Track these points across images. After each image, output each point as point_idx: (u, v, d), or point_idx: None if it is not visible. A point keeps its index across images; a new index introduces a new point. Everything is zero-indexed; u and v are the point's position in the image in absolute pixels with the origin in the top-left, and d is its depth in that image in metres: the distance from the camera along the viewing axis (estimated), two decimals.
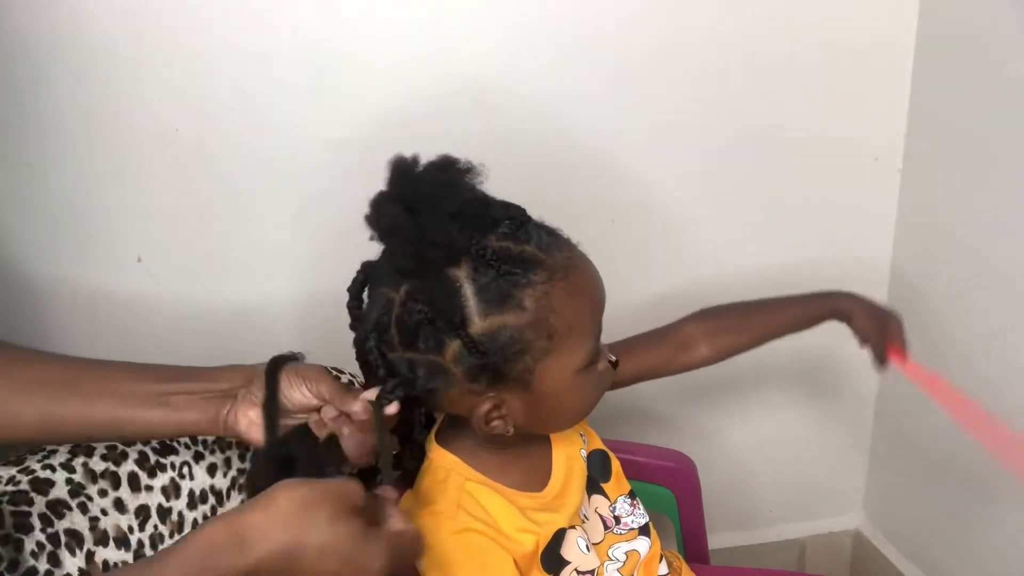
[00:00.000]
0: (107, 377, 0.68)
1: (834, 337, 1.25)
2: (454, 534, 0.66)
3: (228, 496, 0.77)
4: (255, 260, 1.04)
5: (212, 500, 0.75)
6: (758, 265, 1.20)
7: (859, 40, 1.11)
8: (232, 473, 0.77)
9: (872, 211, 1.20)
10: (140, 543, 0.70)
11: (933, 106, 1.12)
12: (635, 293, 1.12)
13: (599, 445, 0.81)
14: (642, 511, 0.80)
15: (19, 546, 0.63)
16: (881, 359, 0.86)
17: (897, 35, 1.12)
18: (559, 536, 0.71)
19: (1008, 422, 1.05)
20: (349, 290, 0.69)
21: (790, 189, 1.16)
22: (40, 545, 0.64)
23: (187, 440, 0.75)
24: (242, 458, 0.78)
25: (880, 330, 0.86)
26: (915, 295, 1.20)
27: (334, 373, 0.76)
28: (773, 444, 1.30)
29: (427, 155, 1.02)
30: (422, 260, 0.61)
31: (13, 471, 0.68)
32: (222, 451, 0.77)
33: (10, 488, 0.66)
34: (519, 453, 0.72)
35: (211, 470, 0.76)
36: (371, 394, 0.65)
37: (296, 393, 0.70)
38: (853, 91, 1.13)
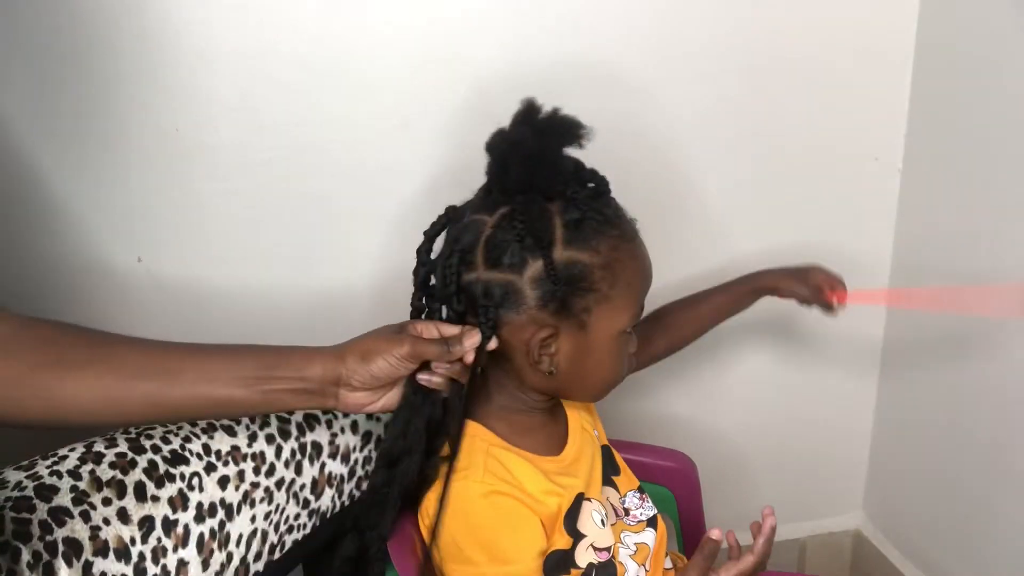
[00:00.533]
0: (205, 363, 0.70)
1: (834, 336, 1.26)
2: (483, 496, 0.71)
3: (239, 510, 0.74)
4: (255, 260, 1.04)
5: (221, 514, 0.73)
6: (757, 265, 1.20)
7: (859, 40, 1.11)
8: (244, 487, 0.75)
9: (872, 211, 1.20)
10: (141, 555, 0.68)
11: (933, 106, 1.12)
12: None
13: (605, 442, 0.86)
14: (650, 504, 0.85)
15: (16, 555, 0.61)
16: (826, 307, 0.96)
17: (897, 35, 1.12)
18: (578, 501, 0.75)
19: (1008, 419, 1.06)
20: (426, 232, 0.75)
21: (790, 189, 1.16)
22: (36, 555, 0.62)
23: (199, 451, 0.73)
24: (256, 471, 0.76)
25: (809, 285, 0.96)
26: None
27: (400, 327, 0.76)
28: (773, 444, 1.30)
29: (427, 155, 1.03)
30: (533, 177, 0.69)
31: (22, 476, 0.67)
32: (235, 463, 0.75)
33: (15, 493, 0.65)
34: (540, 420, 0.78)
35: (223, 482, 0.74)
36: (476, 336, 0.71)
37: (395, 366, 0.71)
38: (853, 91, 1.13)
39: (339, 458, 0.81)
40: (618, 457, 0.86)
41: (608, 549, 0.76)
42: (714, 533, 0.71)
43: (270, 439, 0.77)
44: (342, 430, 0.82)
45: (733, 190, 1.15)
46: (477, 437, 0.74)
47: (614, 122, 1.07)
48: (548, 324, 0.71)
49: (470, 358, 0.72)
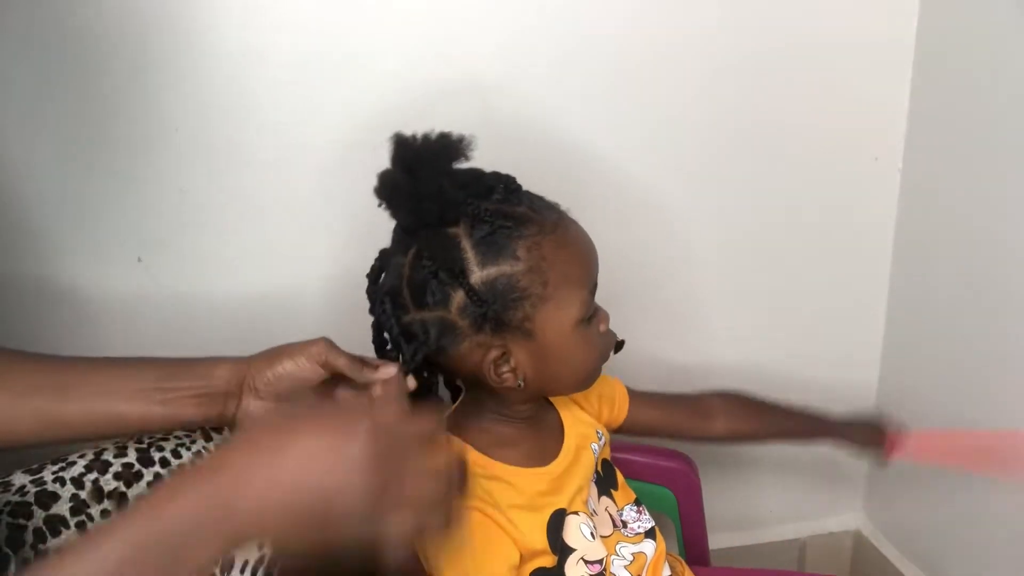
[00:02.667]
0: (103, 376, 0.67)
1: (834, 336, 1.26)
2: None
3: None
4: (255, 260, 1.04)
5: None
6: (757, 265, 1.20)
7: (859, 40, 1.11)
8: None
9: (872, 211, 1.20)
10: None
11: (933, 106, 1.12)
12: (631, 290, 1.12)
13: (607, 456, 0.85)
14: (647, 516, 0.83)
15: (5, 563, 0.61)
16: (882, 462, 0.97)
17: (897, 35, 1.12)
18: (559, 517, 0.73)
19: (1008, 420, 1.06)
20: (368, 276, 0.74)
21: (790, 189, 1.16)
22: (26, 563, 0.61)
23: None
24: None
25: (877, 441, 0.96)
26: (915, 295, 1.20)
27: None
28: (774, 445, 1.29)
29: None
30: (420, 215, 0.68)
31: (27, 479, 0.66)
32: None
33: (16, 498, 0.65)
34: (533, 431, 0.77)
35: None
36: (391, 368, 0.70)
37: (302, 367, 0.69)
38: (853, 91, 1.13)
39: None
40: (618, 472, 0.85)
41: (600, 561, 0.75)
42: None
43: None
44: None
45: (733, 190, 1.15)
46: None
47: (613, 122, 1.08)
48: (493, 344, 0.69)
49: (377, 391, 0.69)
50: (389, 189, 0.70)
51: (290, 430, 0.51)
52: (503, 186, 0.70)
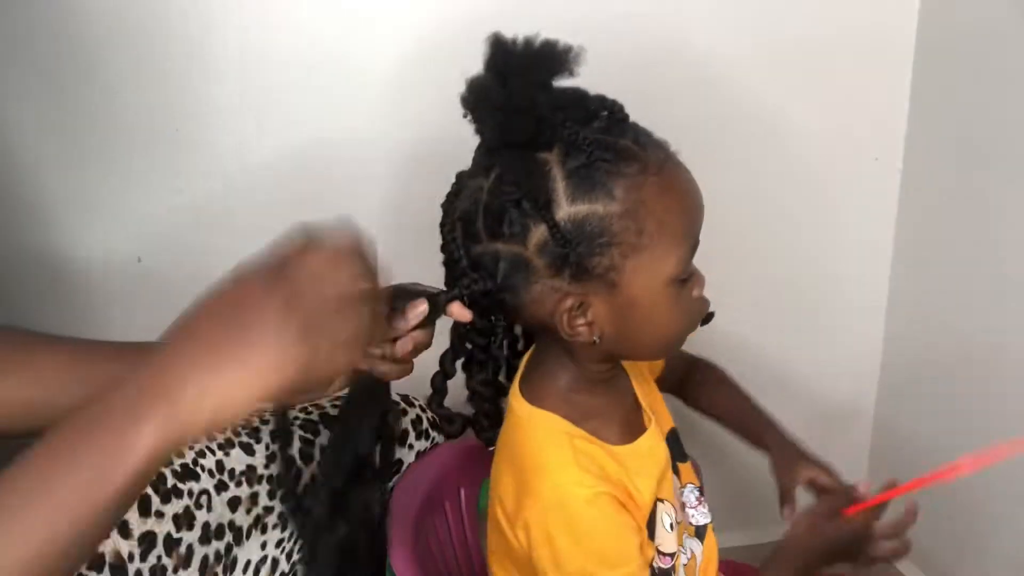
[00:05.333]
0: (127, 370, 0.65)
1: (834, 336, 1.26)
2: (589, 501, 0.61)
3: (248, 534, 0.70)
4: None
5: (229, 537, 0.69)
6: (757, 265, 1.20)
7: (859, 40, 1.11)
8: (257, 511, 0.71)
9: (872, 211, 1.20)
10: (139, 573, 0.64)
11: (933, 106, 1.12)
12: None
13: (672, 424, 0.77)
14: (705, 510, 0.75)
15: None
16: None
17: (897, 35, 1.12)
18: (655, 505, 0.67)
19: (1008, 420, 1.06)
20: (443, 205, 0.66)
21: (790, 188, 1.16)
22: None
23: (212, 467, 0.70)
24: (271, 495, 0.72)
25: (806, 484, 0.81)
26: (915, 295, 1.21)
27: None
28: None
29: (429, 155, 1.03)
30: (507, 131, 0.59)
31: None
32: (249, 485, 0.72)
33: None
34: (612, 397, 0.68)
35: (233, 504, 0.70)
36: (417, 307, 0.62)
37: None
38: (853, 91, 1.13)
39: None
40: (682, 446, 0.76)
41: (672, 555, 0.68)
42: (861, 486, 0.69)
43: (289, 463, 0.72)
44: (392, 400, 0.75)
45: (733, 190, 1.14)
46: (556, 429, 0.64)
47: None
48: (571, 292, 0.60)
49: (408, 344, 0.62)
50: (476, 96, 0.60)
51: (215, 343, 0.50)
52: (608, 112, 0.62)
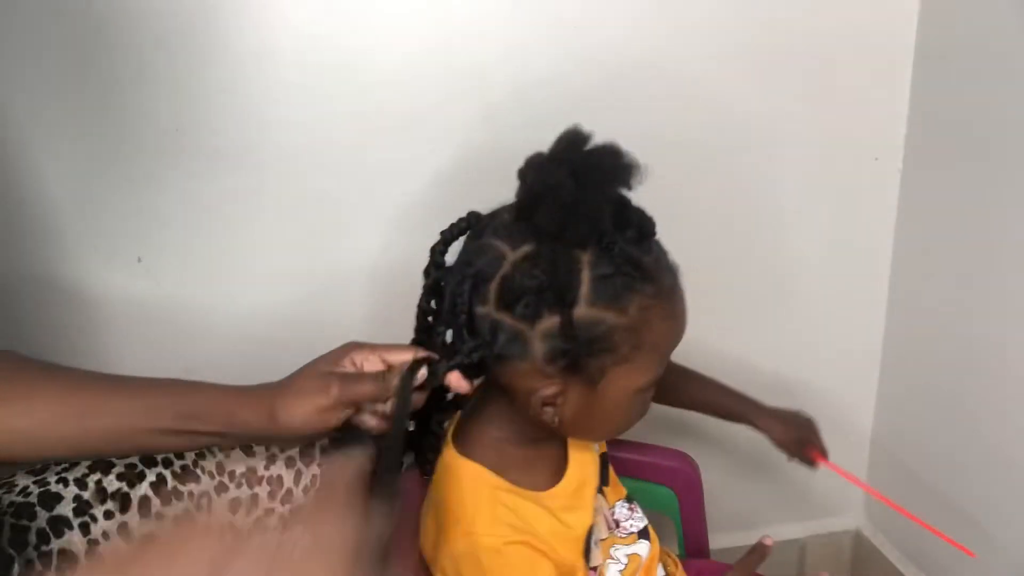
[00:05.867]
0: (122, 404, 0.65)
1: (834, 336, 1.26)
2: (498, 551, 0.65)
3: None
4: (255, 260, 1.03)
5: (228, 539, 0.70)
6: (756, 265, 1.20)
7: (859, 40, 1.11)
8: (258, 512, 0.72)
9: (872, 211, 1.20)
10: None
11: (933, 106, 1.12)
12: None
13: (604, 449, 0.82)
14: (640, 515, 0.81)
15: (8, 564, 0.60)
16: (807, 462, 0.93)
17: (897, 35, 1.12)
18: (590, 534, 0.71)
19: (1008, 420, 1.06)
20: (444, 234, 0.68)
21: (790, 189, 1.16)
22: (29, 564, 0.61)
23: (212, 469, 0.71)
24: (271, 496, 0.72)
25: (796, 439, 0.92)
26: (915, 295, 1.21)
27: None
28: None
29: (428, 155, 1.03)
30: (566, 228, 0.60)
31: (30, 481, 0.66)
32: (250, 487, 0.72)
33: (19, 499, 0.64)
34: (539, 449, 0.72)
35: (233, 506, 0.71)
36: (416, 354, 0.66)
37: (310, 424, 0.66)
38: (853, 91, 1.13)
39: None
40: (610, 467, 0.82)
41: (595, 569, 0.73)
42: (767, 540, 0.71)
43: (290, 462, 0.74)
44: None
45: (733, 190, 1.15)
46: (479, 481, 0.68)
47: (612, 123, 1.07)
48: (555, 380, 0.64)
49: (418, 401, 0.65)
50: (543, 184, 0.62)
51: None
52: (639, 228, 0.64)
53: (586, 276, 0.61)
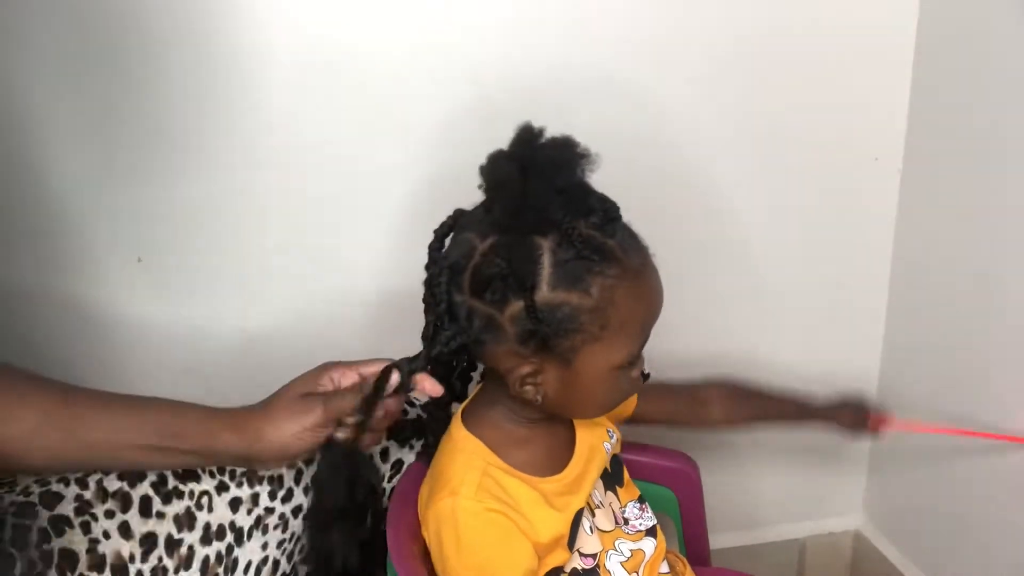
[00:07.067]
0: (108, 420, 0.66)
1: (834, 335, 1.26)
2: (476, 515, 0.69)
3: (249, 535, 0.71)
4: (255, 260, 1.04)
5: (230, 537, 0.70)
6: (756, 265, 1.20)
7: (859, 40, 1.11)
8: (258, 511, 0.72)
9: (872, 211, 1.20)
10: (139, 574, 0.65)
11: (933, 106, 1.12)
12: None
13: (618, 451, 0.85)
14: (650, 514, 0.83)
15: (10, 564, 0.60)
16: (874, 434, 1.00)
17: (897, 35, 1.12)
18: (579, 516, 0.74)
19: (1008, 420, 1.06)
20: (436, 231, 0.73)
21: (790, 189, 1.16)
22: (31, 564, 0.61)
23: (212, 468, 0.71)
24: (272, 496, 0.73)
25: (861, 422, 0.98)
26: (915, 295, 1.21)
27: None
28: (774, 445, 1.29)
29: (428, 155, 1.03)
30: (517, 219, 0.65)
31: (31, 480, 0.66)
32: (250, 485, 0.72)
33: (20, 498, 0.64)
34: (545, 432, 0.76)
35: (234, 504, 0.71)
36: (391, 378, 0.70)
37: (295, 448, 0.69)
38: (853, 91, 1.13)
39: None
40: (624, 469, 0.85)
41: (594, 556, 0.76)
42: None
43: (290, 463, 0.74)
44: (370, 456, 0.78)
45: (733, 190, 1.15)
46: (475, 454, 0.72)
47: (613, 123, 1.08)
48: (530, 360, 0.68)
49: (395, 406, 0.70)
50: (495, 180, 0.67)
51: None
52: (603, 212, 0.67)
53: (547, 261, 0.65)
